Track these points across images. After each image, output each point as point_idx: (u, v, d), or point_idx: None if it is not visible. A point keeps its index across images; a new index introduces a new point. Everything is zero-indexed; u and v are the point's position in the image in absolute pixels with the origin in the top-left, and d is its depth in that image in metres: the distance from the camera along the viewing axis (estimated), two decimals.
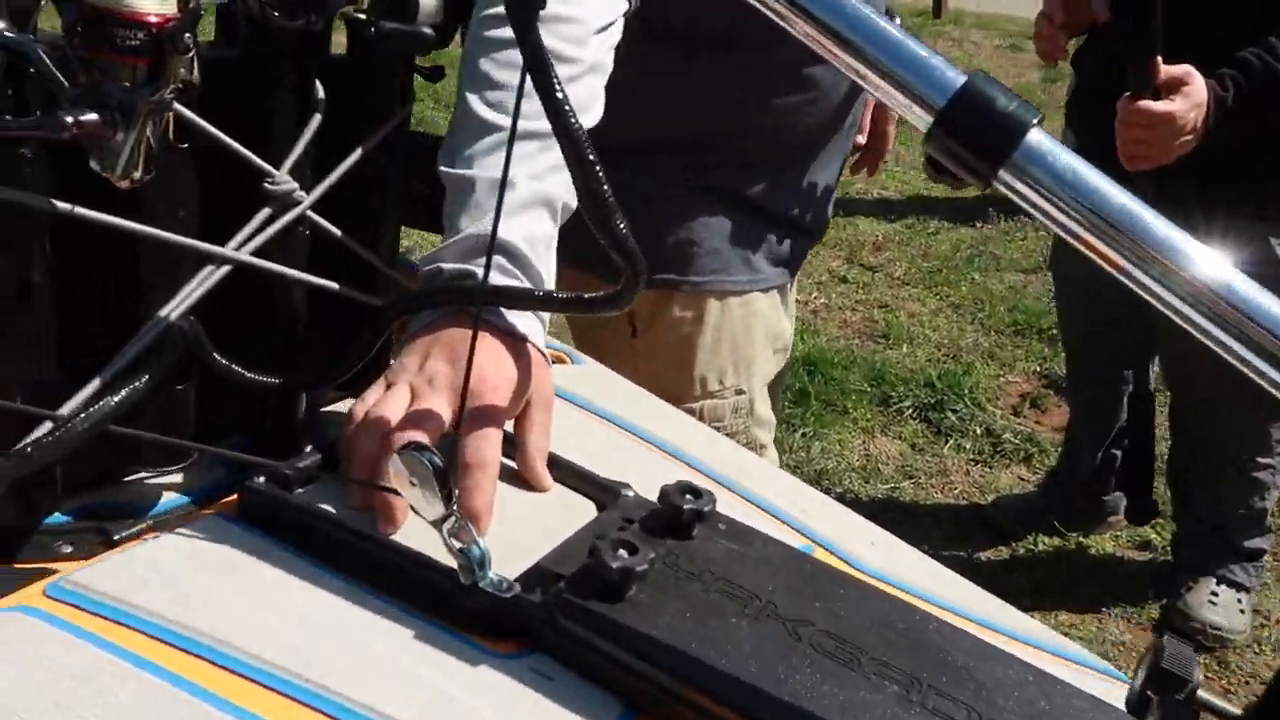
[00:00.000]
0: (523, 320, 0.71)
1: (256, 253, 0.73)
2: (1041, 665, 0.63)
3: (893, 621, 0.60)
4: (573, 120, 0.54)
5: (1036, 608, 2.05)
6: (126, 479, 0.79)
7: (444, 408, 0.65)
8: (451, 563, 0.58)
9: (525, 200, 0.73)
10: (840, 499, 2.38)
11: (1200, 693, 0.54)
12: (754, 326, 1.24)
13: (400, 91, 0.85)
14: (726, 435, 1.26)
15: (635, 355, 1.22)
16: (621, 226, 0.58)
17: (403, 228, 0.93)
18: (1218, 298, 0.45)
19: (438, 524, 0.57)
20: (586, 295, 0.66)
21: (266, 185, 0.74)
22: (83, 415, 0.57)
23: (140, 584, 0.56)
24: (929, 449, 2.63)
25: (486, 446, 0.64)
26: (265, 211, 0.74)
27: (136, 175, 0.56)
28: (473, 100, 0.76)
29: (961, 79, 0.45)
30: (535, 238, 0.73)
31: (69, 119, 0.52)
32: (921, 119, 0.45)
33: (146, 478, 0.79)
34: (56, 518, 0.72)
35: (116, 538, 0.73)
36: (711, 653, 0.55)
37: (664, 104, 1.13)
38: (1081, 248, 0.45)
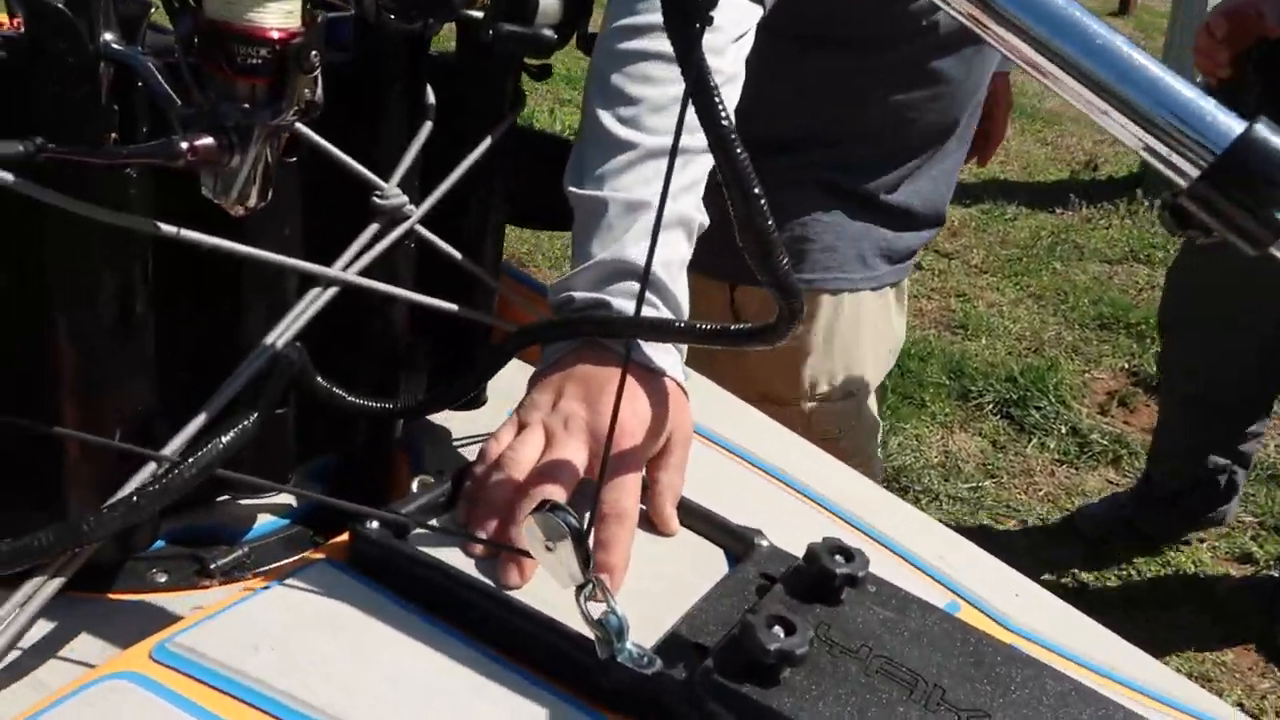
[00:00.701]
0: (659, 353, 0.65)
1: (363, 270, 0.68)
2: None
3: (1076, 712, 0.54)
4: (738, 150, 0.48)
5: (1130, 623, 1.95)
6: (219, 499, 0.75)
7: (580, 454, 0.60)
8: (585, 629, 0.53)
9: (663, 223, 0.67)
10: (919, 498, 2.32)
11: None
12: (866, 326, 1.17)
13: (511, 94, 0.79)
14: (833, 440, 1.19)
15: (740, 354, 1.15)
16: (784, 262, 0.52)
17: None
18: None
19: (575, 591, 0.52)
20: (733, 328, 0.60)
21: (375, 199, 0.68)
22: (191, 460, 0.52)
23: (250, 648, 0.51)
24: (1011, 447, 2.53)
25: (625, 498, 0.59)
26: (373, 227, 0.69)
27: (251, 202, 0.51)
28: (603, 116, 0.70)
29: (1240, 125, 0.37)
30: (671, 262, 0.68)
31: (183, 145, 0.47)
32: (1182, 169, 0.38)
33: (240, 498, 0.75)
34: None
35: (212, 566, 0.69)
36: None
37: (779, 99, 1.06)
38: None
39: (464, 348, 0.86)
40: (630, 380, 0.63)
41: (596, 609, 0.52)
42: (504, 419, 0.85)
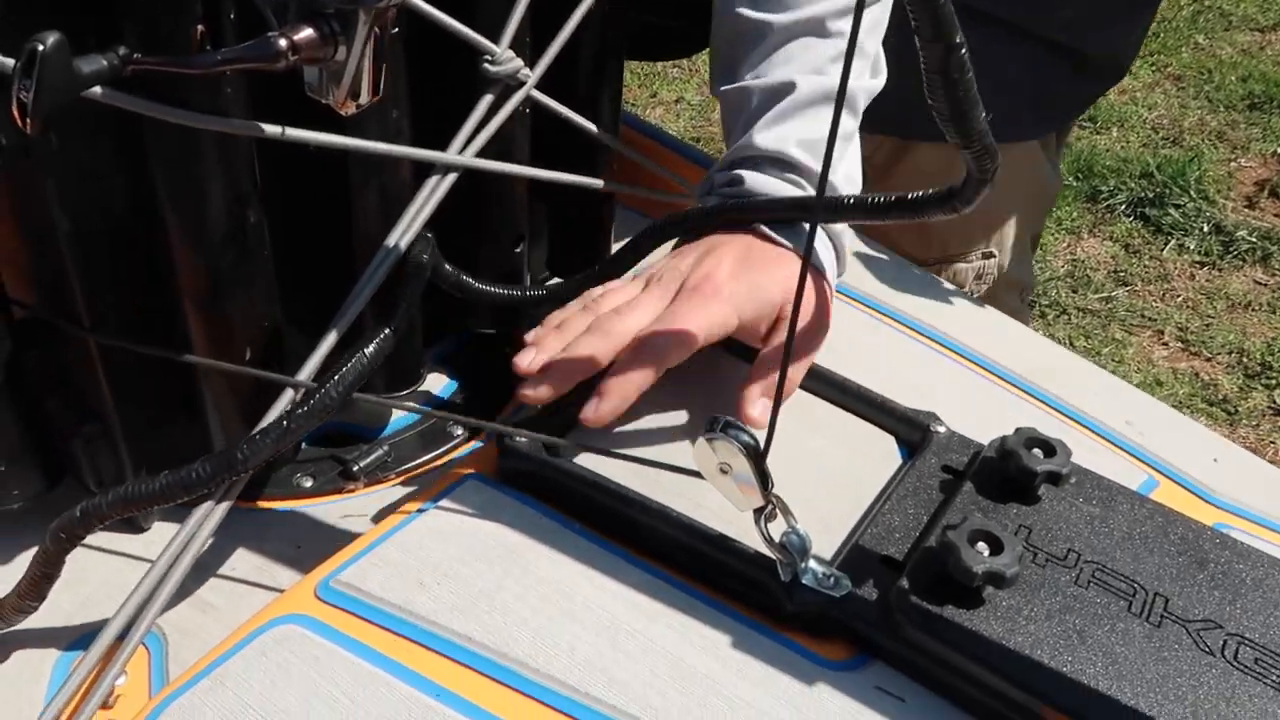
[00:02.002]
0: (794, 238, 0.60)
1: (484, 148, 0.62)
2: None
3: None
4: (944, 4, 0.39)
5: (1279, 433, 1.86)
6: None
7: (659, 304, 0.57)
8: (762, 547, 0.49)
9: (807, 99, 0.62)
10: (1045, 313, 2.21)
11: None
12: (1011, 182, 1.05)
13: None
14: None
15: None
16: (984, 118, 0.45)
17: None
18: None
19: (755, 515, 0.47)
20: (912, 196, 0.53)
21: (486, 66, 0.61)
22: (336, 378, 0.49)
23: (416, 584, 0.49)
24: (1146, 251, 2.38)
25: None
26: (487, 99, 0.61)
27: (363, 98, 0.44)
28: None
29: None
30: (815, 141, 0.62)
31: (281, 42, 0.40)
32: None
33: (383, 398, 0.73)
34: None
35: (355, 469, 0.67)
36: (1105, 676, 0.44)
37: None
38: None
39: (583, 211, 0.80)
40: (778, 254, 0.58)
41: (776, 529, 0.48)
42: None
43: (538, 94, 0.64)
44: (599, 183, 0.72)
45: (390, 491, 0.67)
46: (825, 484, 0.57)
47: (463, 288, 0.63)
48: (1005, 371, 0.70)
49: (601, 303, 0.58)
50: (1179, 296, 2.26)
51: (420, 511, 0.53)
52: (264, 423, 0.52)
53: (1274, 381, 2.02)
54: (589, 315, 0.57)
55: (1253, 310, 2.21)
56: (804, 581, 0.48)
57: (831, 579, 0.49)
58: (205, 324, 0.56)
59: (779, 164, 0.63)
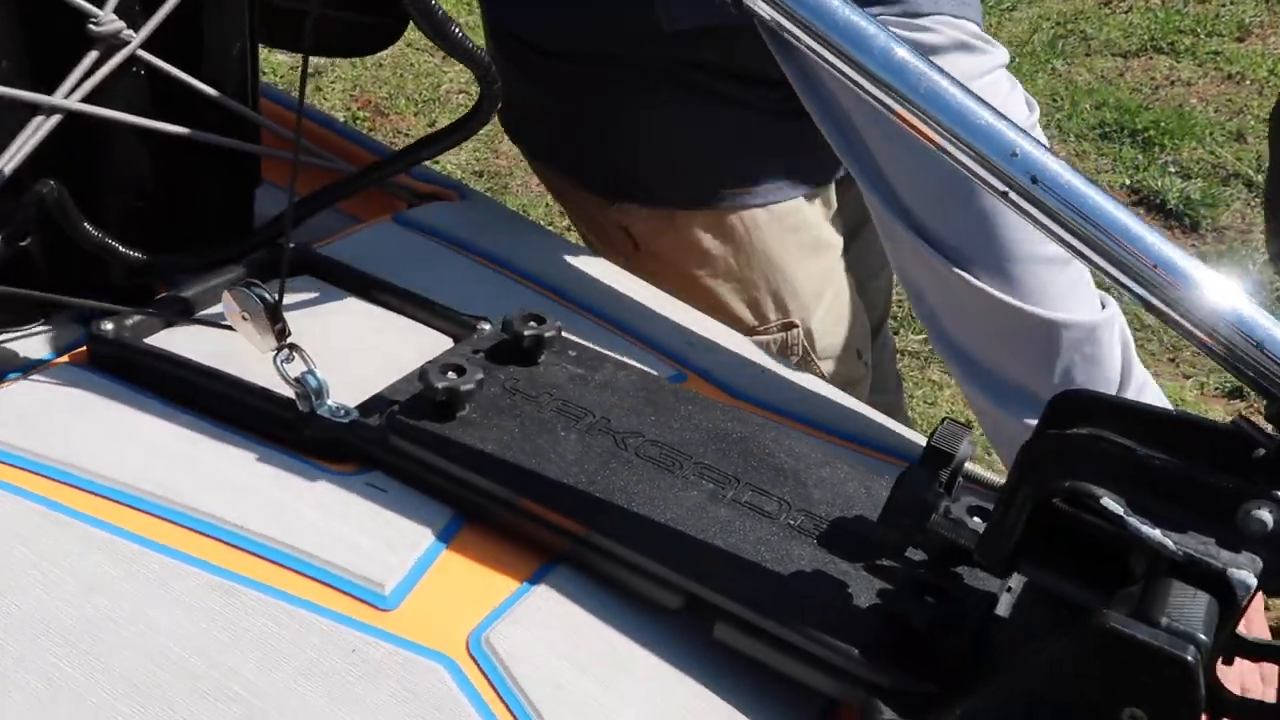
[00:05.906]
0: None
1: (93, 102, 0.94)
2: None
3: (728, 432, 0.83)
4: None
5: None
6: None
7: None
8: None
9: None
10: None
11: (968, 466, 0.76)
12: (798, 242, 1.25)
13: None
14: (853, 384, 1.34)
15: (643, 275, 1.19)
16: (457, 32, 0.80)
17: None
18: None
19: (272, 356, 0.80)
20: (444, 128, 0.87)
21: (91, 26, 0.94)
22: None
23: None
24: None
25: None
26: (92, 55, 0.95)
27: None
28: None
29: None
30: None
31: None
32: None
33: (4, 340, 1.03)
34: None
35: None
36: (535, 462, 0.78)
37: None
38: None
39: (222, 180, 1.13)
40: None
41: (296, 371, 0.81)
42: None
43: (145, 54, 0.98)
44: (206, 136, 1.05)
45: None
46: (376, 364, 0.90)
47: (103, 248, 0.94)
48: (588, 301, 1.05)
49: None
50: None
51: (5, 380, 0.84)
52: None
53: None
54: None
55: None
56: (319, 414, 0.81)
57: (342, 411, 0.81)
58: None
59: None
